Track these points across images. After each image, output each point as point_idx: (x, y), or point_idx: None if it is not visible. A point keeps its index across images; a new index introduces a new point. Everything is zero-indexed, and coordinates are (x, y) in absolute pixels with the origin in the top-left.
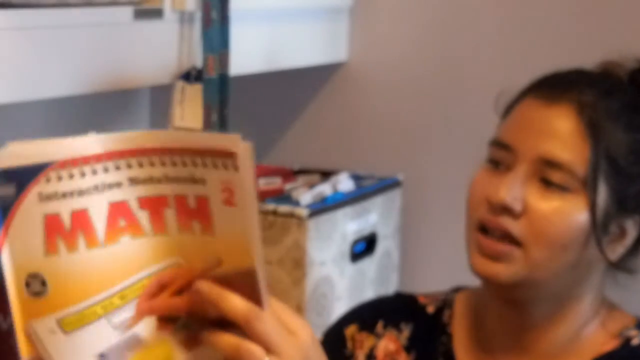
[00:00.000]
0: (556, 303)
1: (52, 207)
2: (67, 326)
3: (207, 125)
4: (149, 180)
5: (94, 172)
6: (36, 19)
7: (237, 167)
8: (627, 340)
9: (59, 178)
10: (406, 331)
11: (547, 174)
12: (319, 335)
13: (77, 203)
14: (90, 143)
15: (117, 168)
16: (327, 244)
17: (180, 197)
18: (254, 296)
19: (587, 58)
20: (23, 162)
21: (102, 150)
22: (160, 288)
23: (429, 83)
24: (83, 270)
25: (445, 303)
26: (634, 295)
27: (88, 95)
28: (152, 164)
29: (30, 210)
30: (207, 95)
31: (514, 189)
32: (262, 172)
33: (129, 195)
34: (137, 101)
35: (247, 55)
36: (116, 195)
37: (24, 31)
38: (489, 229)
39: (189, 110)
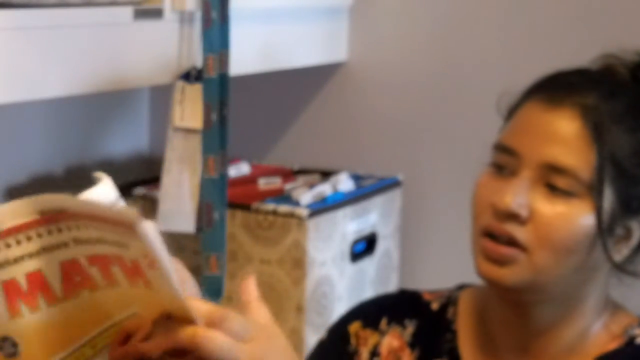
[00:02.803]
0: (561, 305)
1: (7, 273)
2: None
3: (207, 125)
4: (90, 241)
5: (39, 235)
6: (36, 19)
7: (141, 239)
8: (632, 339)
9: (7, 245)
10: (410, 327)
11: (552, 179)
12: (320, 334)
13: (29, 266)
14: (26, 208)
15: (59, 230)
16: (327, 244)
17: (119, 256)
18: None
19: (589, 58)
20: None
21: (39, 215)
22: (127, 336)
23: (429, 83)
24: (49, 326)
25: (449, 300)
26: (637, 293)
27: (88, 95)
28: (87, 227)
29: None
30: (207, 95)
31: (519, 195)
32: (262, 172)
33: (77, 253)
34: (137, 101)
35: (247, 55)
36: (66, 254)
37: (24, 31)
38: (495, 234)
39: (189, 110)
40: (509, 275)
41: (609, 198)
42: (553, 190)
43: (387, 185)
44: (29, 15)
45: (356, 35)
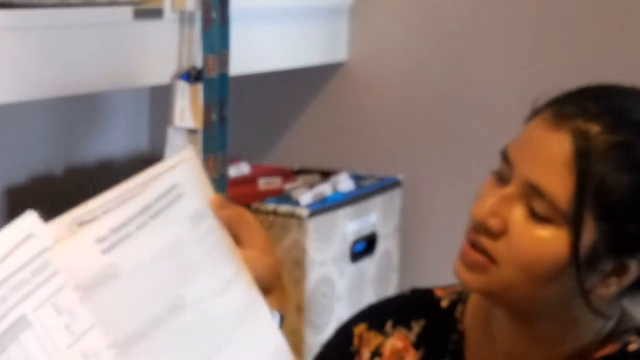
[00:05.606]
0: (557, 321)
1: None
2: None
3: (207, 125)
4: None
5: None
6: (36, 19)
7: None
8: (625, 345)
9: None
10: (416, 328)
11: (532, 201)
12: (320, 334)
13: None
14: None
15: None
16: (327, 244)
17: None
18: None
19: (590, 65)
20: None
21: None
22: None
23: (429, 83)
24: None
25: (460, 297)
26: None
27: (88, 95)
28: None
29: None
30: (207, 95)
31: (497, 209)
32: (262, 172)
33: None
34: (137, 101)
35: (247, 55)
36: None
37: (24, 31)
38: (473, 243)
39: (188, 110)
40: (474, 280)
41: (591, 233)
42: (532, 212)
43: (387, 185)
44: (29, 15)
45: (356, 35)
